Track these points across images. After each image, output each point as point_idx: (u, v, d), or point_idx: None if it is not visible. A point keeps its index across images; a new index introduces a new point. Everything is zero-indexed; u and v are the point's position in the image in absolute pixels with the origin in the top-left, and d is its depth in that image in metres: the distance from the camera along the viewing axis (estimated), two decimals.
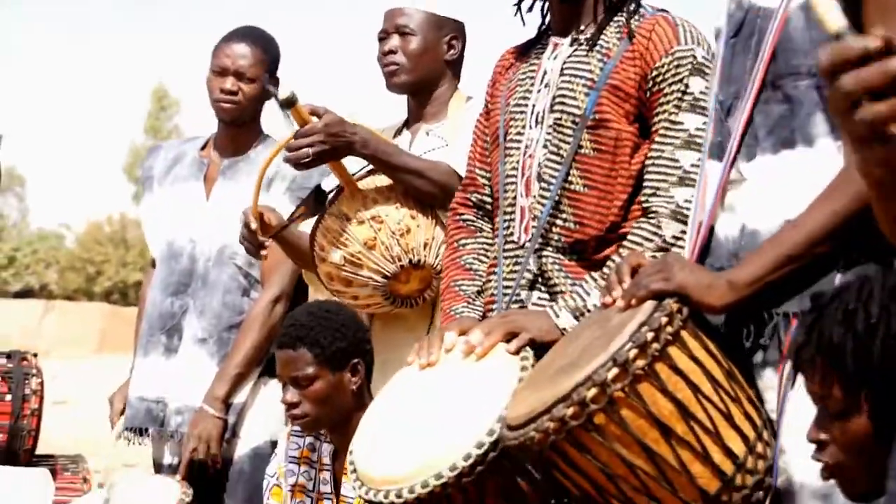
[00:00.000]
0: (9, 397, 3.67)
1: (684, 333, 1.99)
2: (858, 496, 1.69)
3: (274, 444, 3.34)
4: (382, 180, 3.12)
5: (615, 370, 1.92)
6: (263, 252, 3.20)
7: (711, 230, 2.17)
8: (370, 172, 3.15)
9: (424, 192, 3.08)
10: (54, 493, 3.57)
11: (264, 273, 3.58)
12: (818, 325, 1.63)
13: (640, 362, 1.93)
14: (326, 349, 2.88)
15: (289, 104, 2.98)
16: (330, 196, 3.22)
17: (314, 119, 3.00)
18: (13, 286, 37.96)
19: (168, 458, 3.64)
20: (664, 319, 1.97)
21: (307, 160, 3.00)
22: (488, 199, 2.80)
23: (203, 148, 3.80)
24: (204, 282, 3.61)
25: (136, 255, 38.18)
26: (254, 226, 3.15)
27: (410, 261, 3.02)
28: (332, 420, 2.93)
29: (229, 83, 3.57)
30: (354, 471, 2.33)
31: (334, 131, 3.00)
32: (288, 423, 3.22)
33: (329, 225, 3.08)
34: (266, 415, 3.54)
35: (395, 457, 2.26)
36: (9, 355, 3.80)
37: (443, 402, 2.34)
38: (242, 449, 3.53)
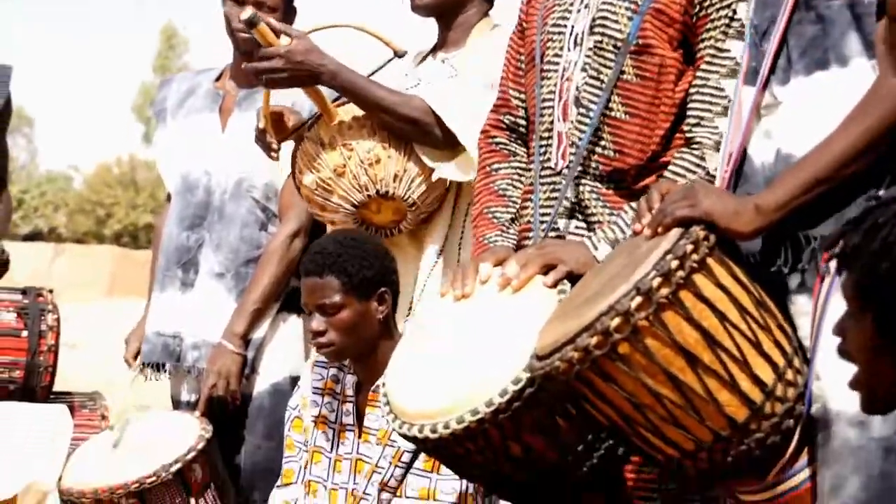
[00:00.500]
0: (25, 333, 3.61)
1: (711, 261, 1.96)
2: (868, 409, 1.67)
3: (294, 379, 3.34)
4: (359, 109, 3.11)
5: (638, 299, 1.90)
6: (273, 154, 3.21)
7: (745, 156, 2.14)
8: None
9: (394, 127, 3.07)
10: (73, 429, 3.55)
11: (282, 207, 3.55)
12: (854, 227, 1.61)
13: (664, 290, 1.90)
14: (354, 277, 2.85)
15: (250, 24, 2.97)
16: (310, 120, 3.22)
17: (282, 41, 2.99)
18: (22, 229, 37.99)
19: (186, 395, 3.63)
20: (689, 247, 1.94)
21: (263, 81, 3.03)
22: (522, 122, 2.74)
23: (218, 79, 3.76)
24: (220, 215, 3.58)
25: (146, 197, 38.22)
26: (261, 125, 3.16)
27: (378, 191, 3.04)
28: (357, 349, 2.91)
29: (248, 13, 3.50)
30: (388, 403, 2.31)
31: (297, 59, 2.98)
32: (308, 356, 3.21)
33: (306, 148, 3.11)
34: (285, 350, 3.52)
35: (429, 391, 2.23)
36: (24, 291, 3.74)
37: (478, 335, 2.29)
38: (262, 385, 3.51)
